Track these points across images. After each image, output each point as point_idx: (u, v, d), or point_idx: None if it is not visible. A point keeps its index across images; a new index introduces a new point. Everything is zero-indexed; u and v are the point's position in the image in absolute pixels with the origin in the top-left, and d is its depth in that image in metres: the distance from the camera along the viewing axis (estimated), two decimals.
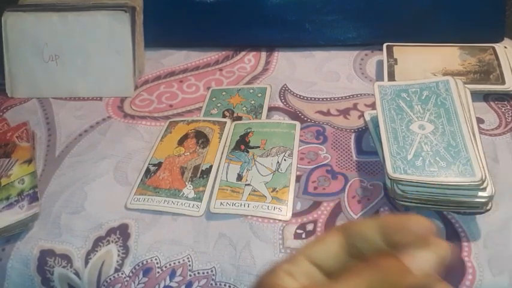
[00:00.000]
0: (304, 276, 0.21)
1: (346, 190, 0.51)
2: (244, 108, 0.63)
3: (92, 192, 0.53)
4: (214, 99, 0.65)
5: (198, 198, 0.51)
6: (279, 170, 0.53)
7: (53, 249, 0.49)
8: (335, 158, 0.55)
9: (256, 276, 0.45)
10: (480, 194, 0.45)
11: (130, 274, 0.47)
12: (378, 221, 0.22)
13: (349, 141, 0.57)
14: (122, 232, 0.49)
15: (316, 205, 0.50)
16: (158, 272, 0.46)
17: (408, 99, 0.52)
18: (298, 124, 0.59)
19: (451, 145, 0.47)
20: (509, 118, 0.59)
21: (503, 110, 0.60)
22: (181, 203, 0.51)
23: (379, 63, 0.69)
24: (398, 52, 0.67)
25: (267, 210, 0.49)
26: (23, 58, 0.67)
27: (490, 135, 0.56)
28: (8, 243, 0.49)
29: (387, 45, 0.68)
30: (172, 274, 0.46)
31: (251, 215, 0.49)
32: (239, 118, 0.62)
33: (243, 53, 0.74)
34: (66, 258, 0.48)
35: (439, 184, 0.45)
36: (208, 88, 0.68)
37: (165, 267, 0.47)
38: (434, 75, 0.63)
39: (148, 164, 0.56)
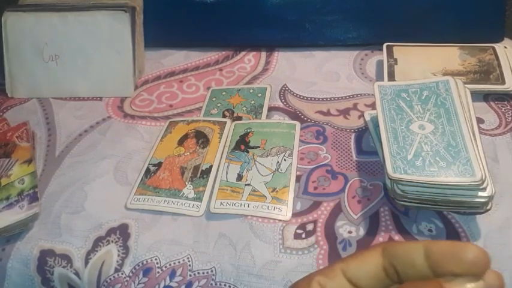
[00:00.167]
0: None
1: (346, 190, 0.51)
2: (244, 108, 0.63)
3: (92, 192, 0.53)
4: (214, 99, 0.65)
5: (198, 198, 0.51)
6: (279, 170, 0.53)
7: (53, 249, 0.49)
8: (335, 158, 0.55)
9: (256, 276, 0.45)
10: (480, 194, 0.45)
11: (131, 274, 0.47)
12: (428, 247, 0.20)
13: (349, 141, 0.57)
14: (122, 232, 0.49)
15: (316, 205, 0.50)
16: (158, 272, 0.46)
17: (408, 99, 0.52)
18: (298, 124, 0.59)
19: (451, 145, 0.47)
20: (509, 118, 0.59)
21: (503, 110, 0.60)
22: (181, 203, 0.51)
23: (379, 63, 0.69)
24: (398, 52, 0.67)
25: (267, 210, 0.49)
26: (23, 58, 0.67)
27: (490, 135, 0.56)
28: (8, 243, 0.49)
29: (387, 45, 0.68)
30: (172, 274, 0.46)
31: (251, 215, 0.49)
32: (239, 118, 0.62)
33: (243, 53, 0.74)
34: (66, 258, 0.48)
35: (439, 184, 0.45)
36: (208, 88, 0.68)
37: (165, 267, 0.47)
38: (434, 75, 0.63)
39: (148, 164, 0.56)
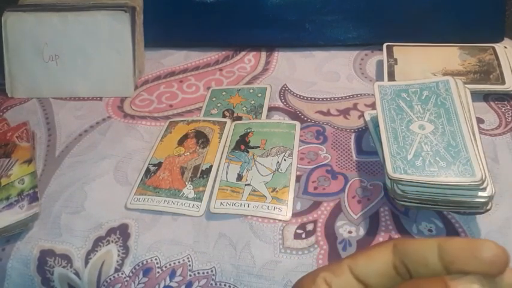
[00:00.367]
0: None
1: (346, 190, 0.51)
2: (244, 108, 0.63)
3: (92, 192, 0.53)
4: (214, 99, 0.65)
5: (198, 198, 0.51)
6: (279, 170, 0.53)
7: (53, 249, 0.49)
8: (335, 158, 0.55)
9: (256, 276, 0.45)
10: (480, 194, 0.45)
11: (130, 274, 0.47)
12: (442, 244, 0.18)
13: (349, 141, 0.57)
14: (122, 232, 0.49)
15: (316, 205, 0.50)
16: (158, 272, 0.46)
17: (408, 99, 0.52)
18: (298, 124, 0.59)
19: (451, 145, 0.47)
20: (509, 118, 0.59)
21: (503, 110, 0.60)
22: (181, 203, 0.51)
23: (379, 63, 0.69)
24: (398, 52, 0.67)
25: (267, 210, 0.49)
26: (23, 58, 0.67)
27: (490, 135, 0.56)
28: (8, 243, 0.49)
29: (387, 45, 0.68)
30: (172, 274, 0.46)
31: (251, 215, 0.49)
32: (239, 118, 0.62)
33: (243, 53, 0.74)
34: (66, 258, 0.48)
35: (439, 184, 0.45)
36: (208, 88, 0.68)
37: (165, 267, 0.47)
38: (434, 75, 0.63)
39: (148, 164, 0.56)
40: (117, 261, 0.47)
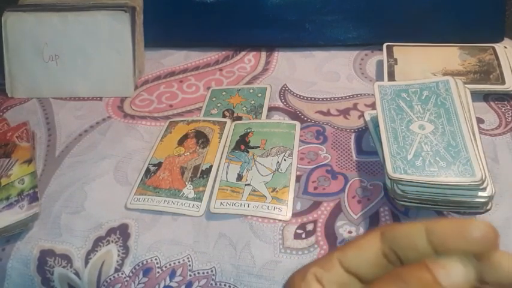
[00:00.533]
0: (335, 285, 0.19)
1: (346, 190, 0.51)
2: (244, 108, 0.63)
3: (92, 192, 0.53)
4: (214, 99, 0.65)
5: (198, 198, 0.51)
6: (279, 170, 0.53)
7: (53, 249, 0.49)
8: (335, 158, 0.55)
9: (256, 276, 0.45)
10: (480, 194, 0.45)
11: (131, 274, 0.47)
12: (430, 227, 0.18)
13: (349, 141, 0.57)
14: (122, 232, 0.49)
15: (316, 205, 0.50)
16: (158, 272, 0.46)
17: (408, 99, 0.52)
18: (298, 124, 0.59)
19: (451, 145, 0.47)
20: (509, 118, 0.59)
21: (503, 110, 0.60)
22: (181, 203, 0.51)
23: (379, 63, 0.69)
24: (398, 52, 0.67)
25: (267, 210, 0.49)
26: (23, 58, 0.67)
27: (490, 135, 0.56)
28: (8, 243, 0.49)
29: (387, 45, 0.68)
30: (172, 274, 0.46)
31: (251, 215, 0.49)
32: (239, 118, 0.62)
33: (243, 53, 0.74)
34: (66, 258, 0.48)
35: (439, 184, 0.45)
36: (208, 88, 0.68)
37: (165, 267, 0.47)
38: (434, 75, 0.63)
39: (148, 164, 0.56)
40: (117, 261, 0.47)
